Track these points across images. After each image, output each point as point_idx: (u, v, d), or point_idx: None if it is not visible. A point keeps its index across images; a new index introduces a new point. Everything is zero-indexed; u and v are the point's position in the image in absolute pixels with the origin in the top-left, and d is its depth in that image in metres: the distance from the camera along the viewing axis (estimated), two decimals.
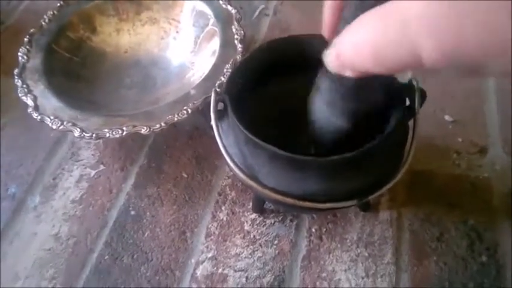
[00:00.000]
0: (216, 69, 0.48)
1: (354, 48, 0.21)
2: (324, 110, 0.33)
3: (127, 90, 0.54)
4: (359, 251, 0.44)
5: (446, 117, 0.52)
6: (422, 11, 0.18)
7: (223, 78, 0.47)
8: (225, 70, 0.48)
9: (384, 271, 0.42)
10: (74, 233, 0.46)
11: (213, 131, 0.37)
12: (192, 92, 0.46)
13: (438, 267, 0.42)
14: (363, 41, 0.20)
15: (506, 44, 0.17)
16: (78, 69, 0.52)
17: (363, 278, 0.42)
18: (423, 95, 0.36)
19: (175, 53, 0.55)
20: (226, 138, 0.37)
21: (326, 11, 0.28)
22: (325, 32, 0.29)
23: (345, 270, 0.43)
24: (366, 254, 0.43)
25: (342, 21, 0.28)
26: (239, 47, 0.50)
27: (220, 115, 0.37)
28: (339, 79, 0.29)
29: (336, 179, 0.33)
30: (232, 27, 0.52)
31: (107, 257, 0.44)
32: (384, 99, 0.33)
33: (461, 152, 0.49)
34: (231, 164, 0.35)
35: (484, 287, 0.41)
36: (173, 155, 0.51)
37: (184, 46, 0.54)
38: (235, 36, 0.51)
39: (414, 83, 0.35)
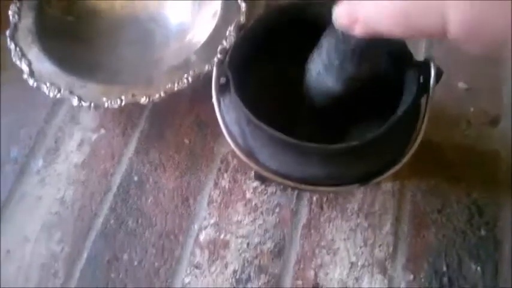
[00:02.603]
0: (218, 32, 0.45)
1: (376, 7, 0.21)
2: (320, 72, 0.32)
3: (125, 48, 0.51)
4: (359, 220, 0.44)
5: (460, 85, 0.49)
6: None
7: (225, 43, 0.44)
8: (227, 33, 0.45)
9: (382, 241, 0.43)
10: (78, 197, 0.47)
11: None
12: (193, 58, 0.44)
13: (436, 239, 0.43)
14: (387, 3, 0.20)
15: None
16: (72, 28, 0.49)
17: (360, 248, 0.43)
18: (439, 74, 0.34)
19: (174, 10, 0.51)
20: (228, 114, 0.36)
21: None
22: None
23: (344, 240, 0.44)
24: (366, 224, 0.44)
25: None
26: (243, 6, 0.46)
27: (222, 89, 0.36)
28: (344, 39, 0.28)
29: (339, 164, 0.32)
30: None
31: (112, 221, 0.45)
32: (392, 71, 0.32)
33: (472, 122, 0.48)
34: (232, 144, 0.34)
35: (480, 259, 0.42)
36: (174, 120, 0.50)
37: (183, 3, 0.51)
38: None
39: (431, 61, 0.33)
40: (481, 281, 0.40)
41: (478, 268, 0.41)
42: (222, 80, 0.35)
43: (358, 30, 0.23)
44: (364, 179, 0.33)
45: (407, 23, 0.20)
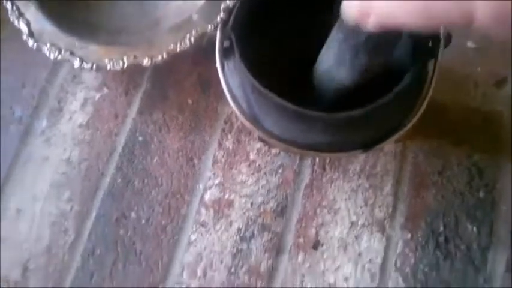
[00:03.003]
0: None
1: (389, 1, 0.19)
2: (332, 65, 0.31)
3: (125, 4, 0.49)
4: (360, 181, 0.45)
5: (469, 44, 0.48)
6: None
7: (228, 1, 0.42)
8: None
9: (382, 201, 0.44)
10: (85, 157, 0.47)
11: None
12: (195, 16, 0.43)
13: (436, 200, 0.44)
14: None
15: None
16: None
17: (361, 207, 0.44)
18: (448, 38, 0.33)
19: None
20: (232, 79, 0.35)
21: None
22: None
23: (345, 200, 0.45)
24: (367, 185, 0.45)
25: None
26: None
27: (226, 53, 0.35)
28: (355, 33, 0.26)
29: (343, 131, 0.32)
30: None
31: (119, 180, 0.46)
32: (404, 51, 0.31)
33: (478, 83, 0.47)
34: (236, 109, 0.34)
35: (476, 220, 0.43)
36: (177, 79, 0.50)
37: None
38: None
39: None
40: (476, 240, 0.42)
41: (474, 228, 0.42)
42: (226, 43, 0.35)
43: (371, 24, 0.20)
44: (367, 145, 0.34)
45: (428, 14, 0.18)
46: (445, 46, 0.33)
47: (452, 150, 0.45)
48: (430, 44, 0.33)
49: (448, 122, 0.46)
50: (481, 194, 0.44)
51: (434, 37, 0.32)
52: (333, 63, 0.31)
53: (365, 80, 0.31)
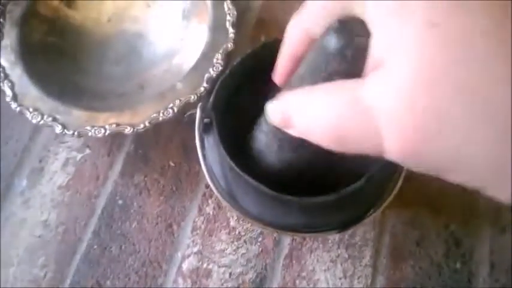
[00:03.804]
0: (205, 58, 0.45)
1: (307, 121, 0.19)
2: (262, 149, 0.32)
3: (110, 68, 0.50)
4: (339, 251, 0.45)
5: None
6: (395, 108, 0.16)
7: (212, 71, 0.44)
8: (214, 60, 0.45)
9: (361, 273, 0.44)
10: (62, 221, 0.47)
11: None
12: (179, 85, 0.44)
13: (414, 271, 0.44)
14: (320, 118, 0.19)
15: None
16: (57, 47, 0.48)
17: (340, 279, 0.44)
18: None
19: (161, 27, 0.51)
20: (211, 155, 0.36)
21: (284, 57, 0.25)
22: (277, 75, 0.27)
23: (324, 270, 0.44)
24: (346, 256, 0.45)
25: (297, 75, 0.24)
26: (231, 32, 0.46)
27: (206, 129, 0.36)
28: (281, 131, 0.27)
29: (319, 214, 0.33)
30: (225, 4, 0.48)
31: (95, 246, 0.46)
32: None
33: None
34: (214, 188, 0.34)
35: None
36: (160, 141, 0.50)
37: (171, 21, 0.50)
38: (227, 18, 0.47)
39: None
40: None
41: None
42: (206, 120, 0.35)
43: (292, 133, 0.21)
44: (344, 226, 0.34)
45: (341, 142, 0.19)
46: None
47: (430, 220, 0.46)
48: None
49: (425, 192, 0.47)
50: (458, 265, 0.44)
51: None
52: (263, 147, 0.32)
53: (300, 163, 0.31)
